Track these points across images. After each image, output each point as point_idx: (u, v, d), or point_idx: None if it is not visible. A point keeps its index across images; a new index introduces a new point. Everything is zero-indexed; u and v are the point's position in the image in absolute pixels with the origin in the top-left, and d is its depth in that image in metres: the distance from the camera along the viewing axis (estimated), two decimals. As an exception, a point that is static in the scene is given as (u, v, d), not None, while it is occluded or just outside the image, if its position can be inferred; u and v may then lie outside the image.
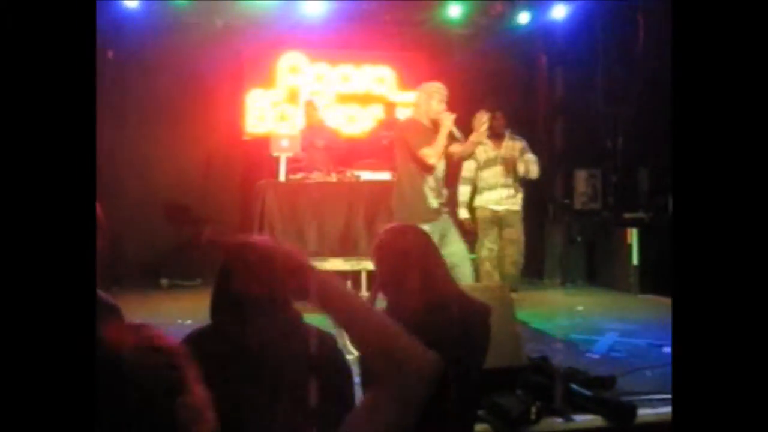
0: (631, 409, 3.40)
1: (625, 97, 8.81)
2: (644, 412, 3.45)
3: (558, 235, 9.25)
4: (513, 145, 6.36)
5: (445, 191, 4.87)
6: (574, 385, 3.60)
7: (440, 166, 4.81)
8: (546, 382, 3.56)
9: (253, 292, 2.06)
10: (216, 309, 2.13)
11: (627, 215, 8.36)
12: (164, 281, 8.19)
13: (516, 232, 6.29)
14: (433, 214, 4.71)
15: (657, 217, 7.97)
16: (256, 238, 2.19)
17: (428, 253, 2.48)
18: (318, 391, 2.06)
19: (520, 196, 6.35)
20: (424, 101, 4.91)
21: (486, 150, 6.33)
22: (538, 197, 9.65)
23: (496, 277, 6.16)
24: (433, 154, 4.69)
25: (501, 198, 6.25)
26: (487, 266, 6.06)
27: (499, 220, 6.25)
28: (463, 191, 6.42)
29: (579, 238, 9.02)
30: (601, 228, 8.79)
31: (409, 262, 2.40)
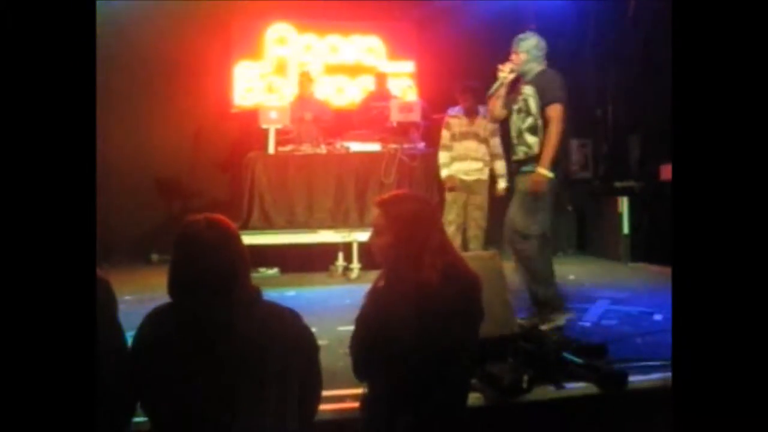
0: (623, 376, 3.41)
1: (615, 67, 8.76)
2: (635, 379, 3.47)
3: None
4: (485, 125, 6.56)
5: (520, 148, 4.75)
6: (565, 353, 3.61)
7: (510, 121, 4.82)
8: (537, 350, 3.56)
9: (205, 271, 2.06)
10: (174, 286, 2.11)
11: (618, 184, 8.36)
12: (154, 256, 8.16)
13: (481, 198, 6.60)
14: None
15: (647, 185, 7.97)
16: (213, 216, 2.18)
17: (432, 220, 2.45)
18: (278, 367, 2.07)
19: (487, 168, 6.66)
20: None
21: (460, 124, 6.60)
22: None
23: (458, 240, 6.47)
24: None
25: (470, 169, 6.56)
26: (452, 229, 6.35)
27: (467, 188, 6.55)
28: (442, 155, 6.69)
29: (570, 207, 9.01)
30: (592, 197, 8.80)
31: (411, 229, 2.38)
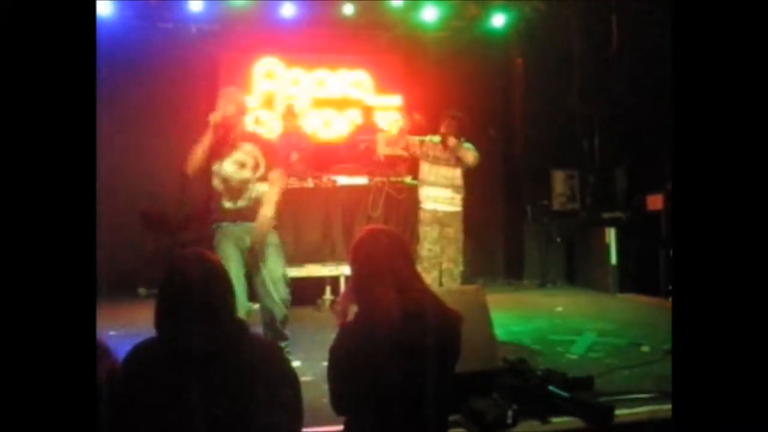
0: (609, 409, 3.39)
1: (601, 98, 8.86)
2: (621, 412, 3.45)
3: (537, 235, 9.28)
4: (456, 143, 6.36)
5: (246, 197, 4.70)
6: (551, 387, 3.59)
7: (227, 168, 4.70)
8: (523, 384, 3.55)
9: (196, 303, 2.09)
10: (160, 319, 2.13)
11: (605, 215, 8.40)
12: (142, 290, 8.11)
13: (453, 231, 6.38)
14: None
15: (634, 216, 8.01)
16: (202, 250, 2.23)
17: (400, 257, 2.45)
18: (264, 398, 2.09)
19: (459, 197, 6.44)
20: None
21: (435, 147, 6.41)
22: (516, 198, 9.70)
23: (434, 274, 6.28)
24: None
25: (439, 197, 6.36)
26: (425, 265, 6.20)
27: (438, 221, 6.36)
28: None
29: (558, 239, 9.05)
30: (580, 228, 8.83)
31: (381, 266, 2.38)
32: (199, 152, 4.67)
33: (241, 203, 4.70)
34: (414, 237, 6.48)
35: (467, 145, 6.46)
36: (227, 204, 4.70)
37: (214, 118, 4.69)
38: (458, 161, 6.38)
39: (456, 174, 6.40)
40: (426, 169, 6.42)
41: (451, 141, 6.32)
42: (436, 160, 6.41)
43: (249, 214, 4.65)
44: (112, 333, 5.42)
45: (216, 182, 4.72)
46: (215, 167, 4.71)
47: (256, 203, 4.66)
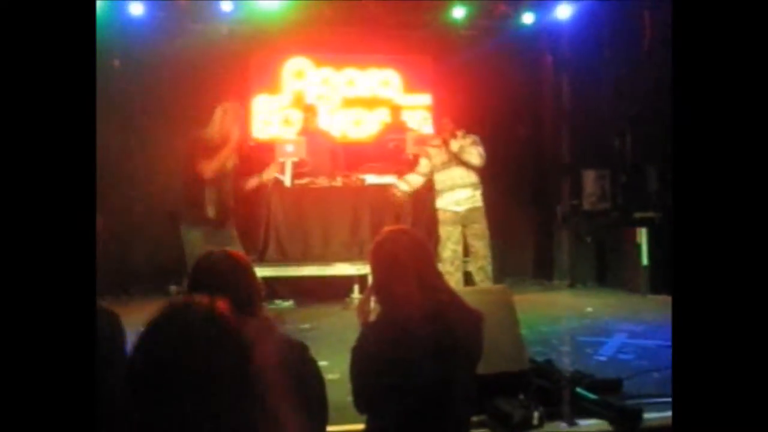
0: (637, 412, 3.35)
1: (633, 96, 8.74)
2: (650, 416, 3.40)
3: (567, 235, 9.20)
4: (462, 142, 6.34)
5: None
6: (579, 389, 3.56)
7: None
8: (550, 386, 3.52)
9: (228, 299, 2.10)
10: None
11: (636, 215, 8.28)
12: (172, 288, 8.16)
13: (479, 227, 6.32)
14: None
15: (666, 216, 7.89)
16: (231, 250, 2.26)
17: (421, 257, 2.45)
18: (290, 397, 2.09)
19: (479, 193, 6.38)
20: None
21: (440, 153, 6.39)
22: (546, 198, 9.63)
23: (458, 277, 6.23)
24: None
25: (460, 199, 6.31)
26: (448, 267, 6.11)
27: (461, 219, 6.30)
28: (412, 177, 6.64)
29: (588, 239, 8.95)
30: (611, 228, 8.72)
31: (402, 266, 2.38)
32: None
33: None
34: (436, 238, 6.41)
35: (470, 139, 6.35)
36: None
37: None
38: (459, 158, 6.30)
39: (470, 172, 6.34)
40: (440, 179, 6.39)
41: (453, 145, 6.27)
42: (445, 165, 6.36)
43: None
44: (142, 330, 5.47)
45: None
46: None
47: None
